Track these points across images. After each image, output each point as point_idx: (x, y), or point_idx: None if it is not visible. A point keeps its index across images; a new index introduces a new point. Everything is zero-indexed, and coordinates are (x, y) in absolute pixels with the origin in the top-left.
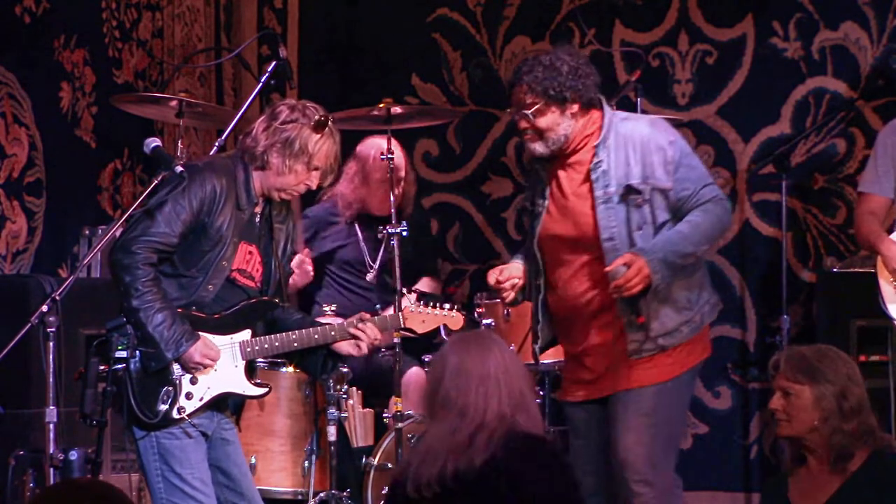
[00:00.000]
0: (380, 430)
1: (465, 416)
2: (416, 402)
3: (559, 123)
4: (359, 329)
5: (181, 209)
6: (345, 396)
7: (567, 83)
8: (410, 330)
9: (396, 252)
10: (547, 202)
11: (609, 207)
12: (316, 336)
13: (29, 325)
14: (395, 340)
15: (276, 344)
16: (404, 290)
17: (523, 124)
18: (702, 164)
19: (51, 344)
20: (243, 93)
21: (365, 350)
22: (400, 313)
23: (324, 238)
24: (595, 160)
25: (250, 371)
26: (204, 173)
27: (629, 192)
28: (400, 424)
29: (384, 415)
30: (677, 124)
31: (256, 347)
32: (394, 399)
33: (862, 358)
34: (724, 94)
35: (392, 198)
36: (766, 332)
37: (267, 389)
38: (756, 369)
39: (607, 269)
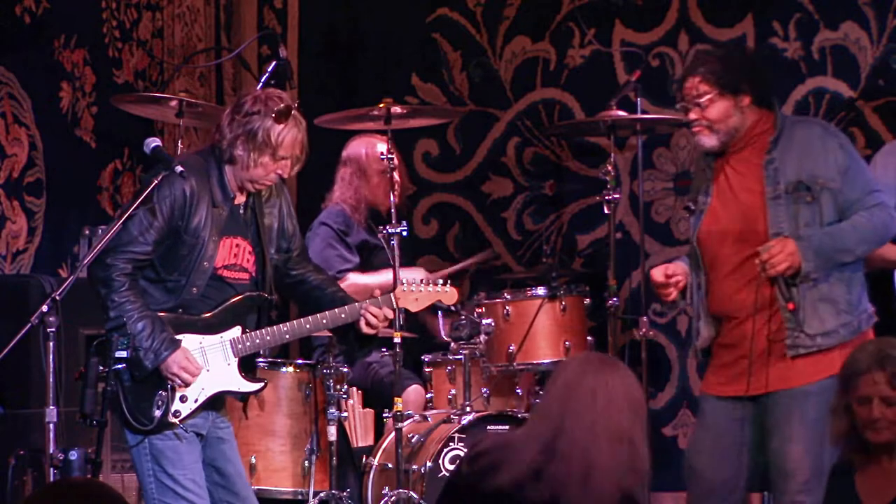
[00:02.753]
0: (380, 430)
1: (555, 431)
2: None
3: (730, 116)
4: (367, 312)
5: (152, 216)
6: (345, 396)
7: (740, 75)
8: (405, 310)
9: (397, 251)
10: (710, 199)
11: (778, 204)
12: (307, 325)
13: (29, 325)
14: (396, 341)
15: (268, 338)
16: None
17: (694, 115)
18: (870, 172)
19: (51, 344)
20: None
21: (377, 331)
22: (391, 294)
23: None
24: (768, 157)
25: (246, 367)
26: (173, 176)
27: (799, 188)
28: (400, 424)
29: (384, 415)
30: (678, 124)
31: (248, 343)
32: (394, 399)
33: None
34: None
35: (393, 197)
36: None
37: (263, 384)
38: None
39: (759, 248)
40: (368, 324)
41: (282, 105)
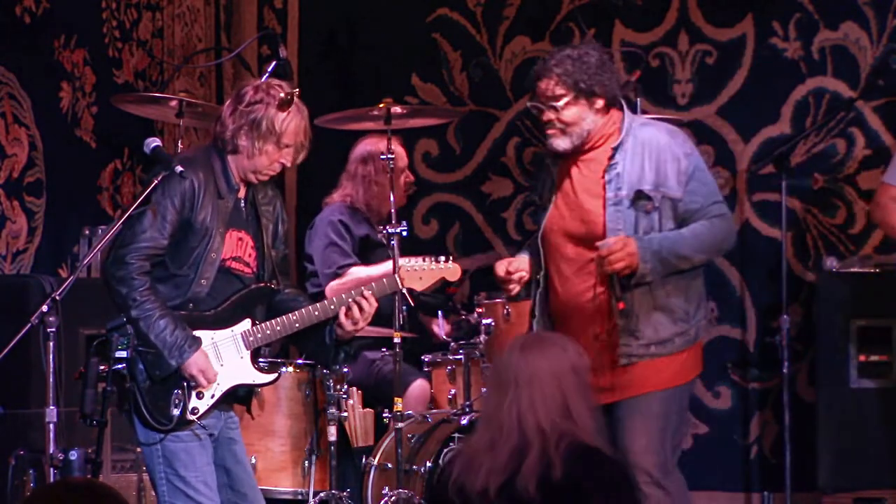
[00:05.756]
0: (380, 430)
1: (501, 431)
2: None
3: (584, 118)
4: (358, 300)
5: (164, 210)
6: (345, 396)
7: (596, 77)
8: (411, 290)
9: (397, 252)
10: (555, 197)
11: (618, 210)
12: (316, 312)
13: (29, 325)
14: (396, 341)
15: (278, 328)
16: (405, 291)
17: (548, 116)
18: (714, 181)
19: (51, 344)
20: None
21: (362, 325)
22: (396, 275)
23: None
24: (611, 161)
25: (256, 359)
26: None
27: (640, 197)
28: (400, 424)
29: (384, 415)
30: (677, 124)
31: (259, 335)
32: (394, 399)
33: (862, 358)
34: (723, 94)
35: (393, 197)
36: (766, 332)
37: (276, 375)
38: (756, 369)
39: (598, 244)
40: (360, 307)
41: (283, 93)
